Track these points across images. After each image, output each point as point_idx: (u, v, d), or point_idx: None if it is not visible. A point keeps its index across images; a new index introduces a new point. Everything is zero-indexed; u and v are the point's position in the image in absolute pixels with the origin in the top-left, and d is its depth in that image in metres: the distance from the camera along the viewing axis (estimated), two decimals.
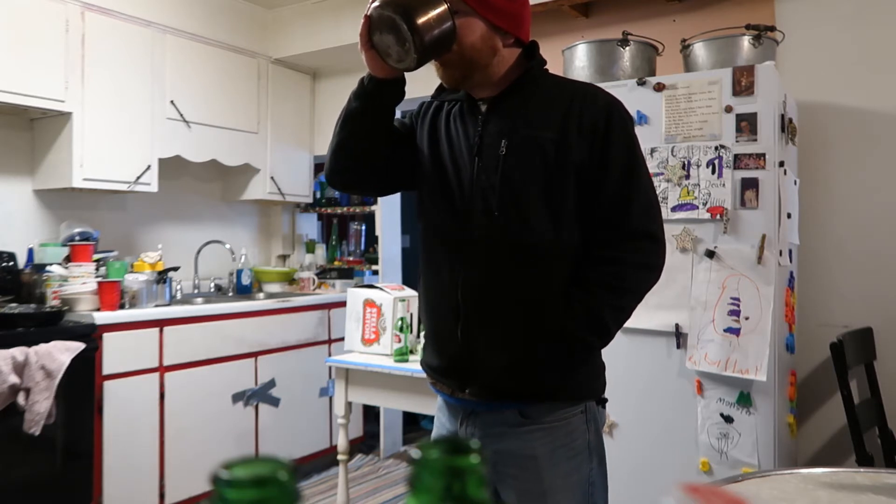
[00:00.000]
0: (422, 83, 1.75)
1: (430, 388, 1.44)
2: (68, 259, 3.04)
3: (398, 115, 1.44)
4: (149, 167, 3.37)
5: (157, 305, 3.09)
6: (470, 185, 1.29)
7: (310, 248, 4.47)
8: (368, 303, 2.71)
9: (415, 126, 1.42)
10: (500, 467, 1.29)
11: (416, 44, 1.16)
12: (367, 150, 1.34)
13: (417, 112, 1.44)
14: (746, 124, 2.25)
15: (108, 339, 2.82)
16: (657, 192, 2.38)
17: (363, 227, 4.57)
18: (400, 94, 1.32)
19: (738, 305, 2.23)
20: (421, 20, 1.15)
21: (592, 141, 1.25)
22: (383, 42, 1.20)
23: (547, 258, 1.26)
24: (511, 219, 1.26)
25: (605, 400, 1.39)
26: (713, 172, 2.29)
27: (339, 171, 1.37)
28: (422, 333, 1.54)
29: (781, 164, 2.26)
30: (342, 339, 3.48)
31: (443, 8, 1.18)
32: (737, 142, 2.26)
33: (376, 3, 1.19)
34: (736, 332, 2.22)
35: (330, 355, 3.67)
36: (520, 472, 1.27)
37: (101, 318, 2.81)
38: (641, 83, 2.43)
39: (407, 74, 1.29)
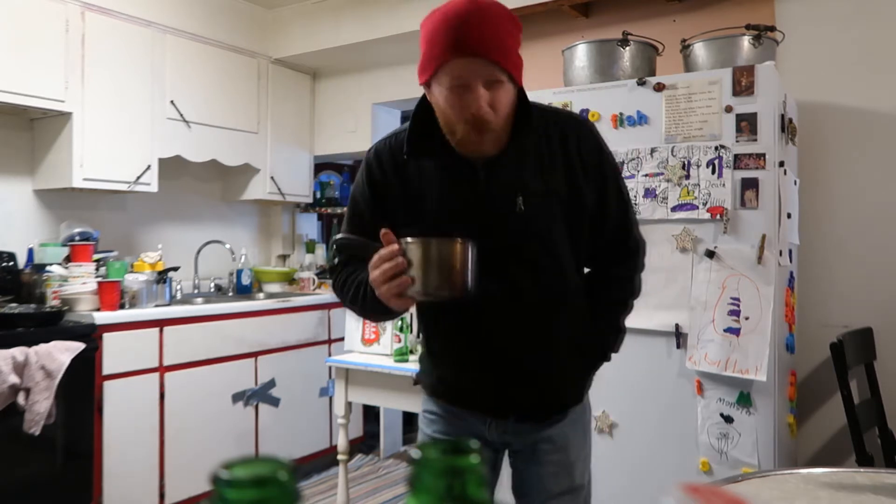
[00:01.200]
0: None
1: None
2: (68, 259, 3.04)
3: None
4: (149, 167, 3.37)
5: (157, 305, 3.09)
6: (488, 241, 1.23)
7: (310, 248, 4.47)
8: None
9: (384, 195, 1.34)
10: (534, 446, 1.39)
11: (463, 291, 1.14)
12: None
13: (381, 169, 1.33)
14: (746, 124, 2.25)
15: (108, 339, 2.82)
16: (657, 192, 2.39)
17: None
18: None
19: (738, 305, 2.23)
20: (472, 271, 1.13)
21: (596, 179, 1.34)
22: (426, 276, 1.13)
23: (572, 294, 1.35)
24: (542, 271, 1.30)
25: None
26: (713, 172, 2.29)
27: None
28: (418, 345, 1.53)
29: (781, 164, 2.26)
30: (342, 339, 3.48)
31: (465, 257, 1.13)
32: (737, 142, 2.26)
33: (419, 289, 1.13)
34: (736, 332, 2.22)
35: (330, 355, 3.67)
36: (553, 450, 1.38)
37: (101, 318, 2.81)
38: (641, 83, 2.43)
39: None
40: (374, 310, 1.27)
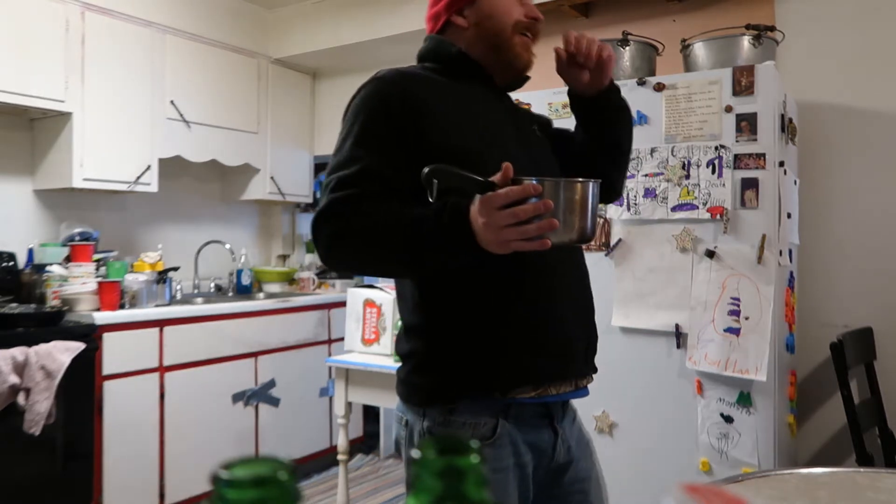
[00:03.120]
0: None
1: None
2: (68, 259, 3.04)
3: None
4: (149, 167, 3.37)
5: (157, 305, 3.09)
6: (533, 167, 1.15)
7: (310, 248, 4.47)
8: (368, 303, 2.71)
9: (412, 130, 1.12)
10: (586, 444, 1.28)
11: (581, 238, 1.06)
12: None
13: (403, 101, 1.12)
14: (746, 124, 2.25)
15: (108, 339, 2.82)
16: (657, 192, 2.39)
17: None
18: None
19: (738, 305, 2.23)
20: (595, 220, 1.07)
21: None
22: (566, 221, 1.04)
23: None
24: None
25: None
26: (713, 172, 2.29)
27: (345, 268, 1.19)
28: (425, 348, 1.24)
29: (781, 164, 2.26)
30: (342, 339, 3.48)
31: (595, 198, 1.06)
32: (737, 142, 2.26)
33: (561, 234, 1.00)
34: (736, 332, 2.22)
35: (330, 355, 3.67)
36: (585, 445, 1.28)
37: (101, 318, 2.81)
38: (641, 83, 2.43)
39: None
40: (432, 256, 1.03)
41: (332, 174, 1.08)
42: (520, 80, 1.30)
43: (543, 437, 1.17)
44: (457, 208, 0.99)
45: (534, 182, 0.96)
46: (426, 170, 0.94)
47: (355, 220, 1.04)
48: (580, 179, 1.05)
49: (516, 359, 1.12)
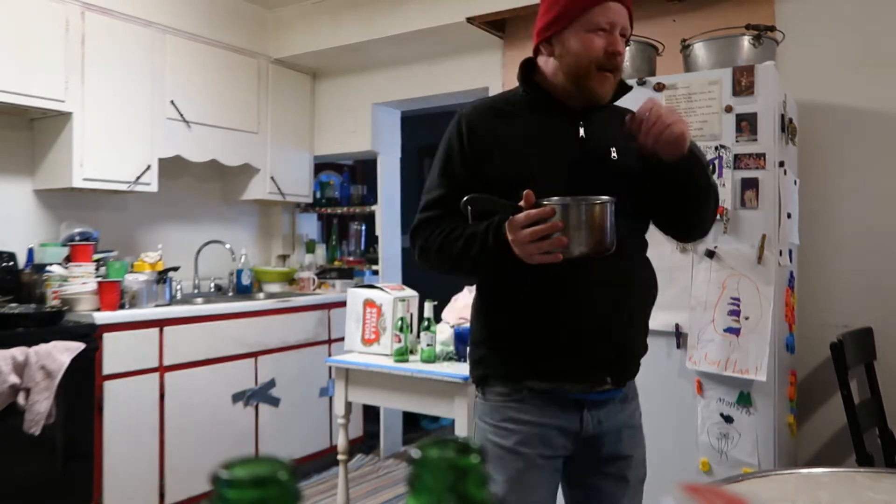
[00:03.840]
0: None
1: (471, 392, 1.49)
2: (68, 259, 3.04)
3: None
4: (149, 167, 3.36)
5: (157, 305, 3.09)
6: (590, 185, 1.29)
7: (310, 248, 4.47)
8: (368, 303, 2.71)
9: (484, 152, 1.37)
10: (620, 437, 1.45)
11: (600, 249, 1.21)
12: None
13: (481, 133, 1.37)
14: (746, 124, 2.25)
15: (108, 339, 2.82)
16: None
17: (363, 227, 4.57)
18: None
19: (738, 305, 2.23)
20: (611, 236, 1.21)
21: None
22: (575, 236, 1.20)
23: (644, 244, 1.46)
24: (633, 213, 1.38)
25: None
26: (713, 172, 2.29)
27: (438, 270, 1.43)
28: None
29: (781, 164, 2.26)
30: (342, 339, 3.47)
31: (610, 216, 1.21)
32: (737, 142, 2.27)
33: (572, 249, 1.19)
34: (736, 331, 2.22)
35: (330, 355, 3.67)
36: (634, 436, 1.49)
37: (101, 318, 2.81)
38: (641, 83, 2.43)
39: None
40: (486, 263, 1.31)
41: (423, 196, 1.42)
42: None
43: (570, 417, 1.37)
44: (498, 228, 1.24)
45: (549, 204, 1.16)
46: (464, 199, 1.19)
47: (433, 237, 1.37)
48: (590, 199, 1.19)
49: (529, 357, 1.35)
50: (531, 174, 1.30)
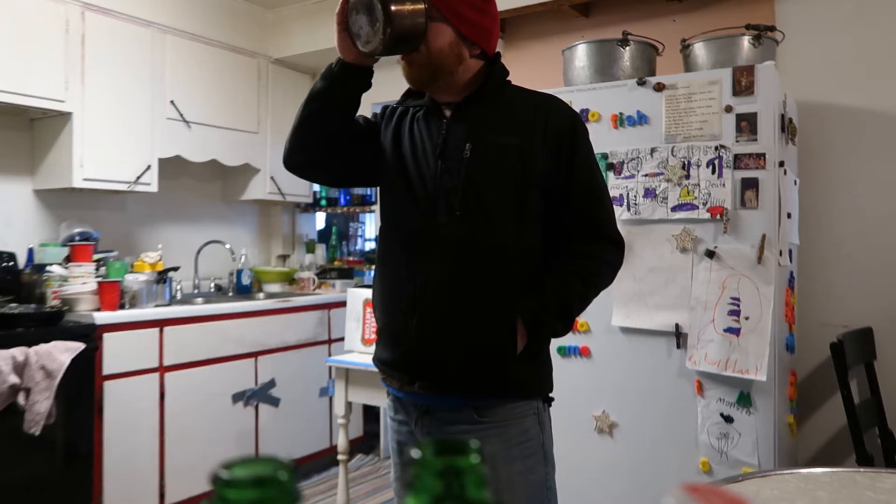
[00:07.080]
0: (393, 85, 1.80)
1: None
2: (68, 259, 3.04)
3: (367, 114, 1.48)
4: (149, 167, 3.37)
5: (157, 305, 3.09)
6: (433, 185, 1.33)
7: (310, 248, 4.47)
8: (369, 303, 2.71)
9: (379, 126, 1.47)
10: None
11: (385, 27, 1.22)
12: (328, 132, 1.38)
13: (382, 114, 1.49)
14: (746, 124, 2.25)
15: (108, 339, 2.82)
16: (657, 192, 2.39)
17: (363, 227, 4.57)
18: (366, 83, 1.38)
19: (738, 305, 2.23)
20: (396, 7, 1.22)
21: (558, 152, 1.32)
22: (356, 23, 1.27)
23: (506, 257, 1.30)
24: (473, 218, 1.30)
25: (552, 399, 1.42)
26: (713, 172, 2.29)
27: (299, 149, 1.41)
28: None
29: (781, 164, 2.26)
30: (342, 339, 3.48)
31: (420, 6, 1.25)
32: (737, 142, 2.27)
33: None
34: (736, 331, 2.22)
35: (330, 355, 3.67)
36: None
37: (101, 318, 2.81)
38: (641, 83, 2.43)
39: (377, 80, 1.39)
40: (320, 79, 1.38)
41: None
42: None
43: (402, 430, 1.41)
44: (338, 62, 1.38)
45: None
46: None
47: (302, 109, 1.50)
48: None
49: (378, 349, 1.42)
50: (396, 169, 1.43)
